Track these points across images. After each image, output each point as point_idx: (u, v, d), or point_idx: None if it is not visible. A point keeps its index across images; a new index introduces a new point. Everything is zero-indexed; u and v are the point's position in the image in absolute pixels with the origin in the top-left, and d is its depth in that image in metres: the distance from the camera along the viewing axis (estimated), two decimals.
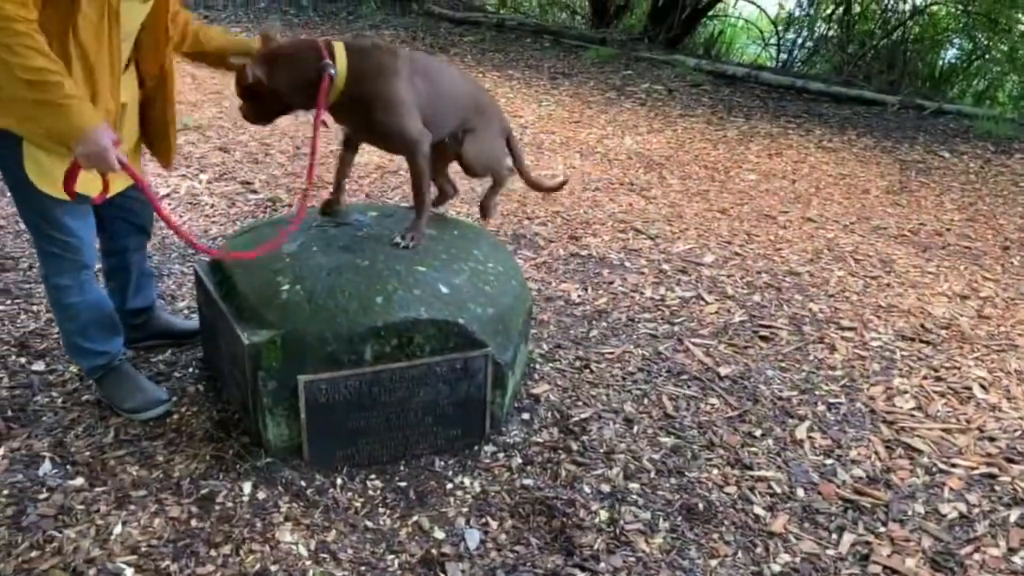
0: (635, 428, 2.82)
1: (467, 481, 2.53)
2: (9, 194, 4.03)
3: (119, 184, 2.47)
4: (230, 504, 2.33)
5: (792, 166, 6.05)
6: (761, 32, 12.64)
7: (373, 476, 2.52)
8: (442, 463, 2.60)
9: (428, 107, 2.57)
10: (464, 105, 2.75)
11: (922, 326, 3.69)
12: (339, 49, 2.43)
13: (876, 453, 2.80)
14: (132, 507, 2.30)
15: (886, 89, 9.06)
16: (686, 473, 2.63)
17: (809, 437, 2.86)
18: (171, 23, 2.45)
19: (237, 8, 9.75)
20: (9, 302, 3.26)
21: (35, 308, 3.24)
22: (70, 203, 2.30)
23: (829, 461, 2.74)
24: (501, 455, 2.65)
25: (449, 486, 2.51)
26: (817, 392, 3.12)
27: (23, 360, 2.92)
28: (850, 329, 3.61)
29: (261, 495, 2.37)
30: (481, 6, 13.46)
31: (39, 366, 2.90)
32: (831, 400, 3.08)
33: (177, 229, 2.32)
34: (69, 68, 2.11)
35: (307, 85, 2.39)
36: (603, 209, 4.84)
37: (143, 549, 2.17)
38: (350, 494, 2.44)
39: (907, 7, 11.06)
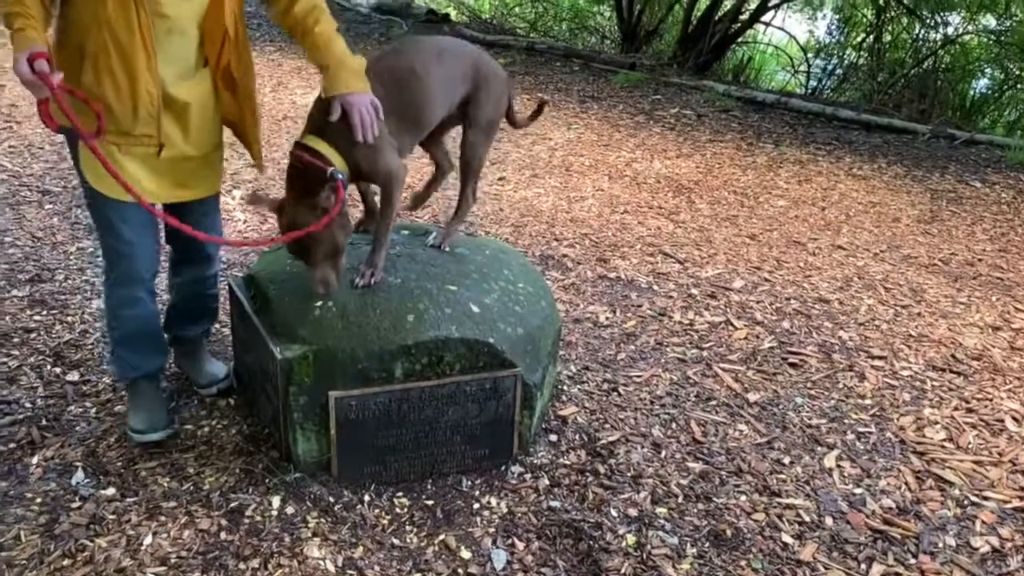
0: (663, 452, 2.82)
1: (494, 501, 2.53)
2: (48, 206, 4.12)
3: (163, 193, 2.44)
4: (259, 518, 2.35)
5: (822, 193, 6.03)
6: (791, 59, 12.65)
7: (400, 494, 2.53)
8: (469, 483, 2.60)
9: (411, 104, 2.49)
10: (459, 81, 2.62)
11: (953, 356, 3.65)
12: (324, 148, 2.35)
13: (906, 483, 2.77)
14: (162, 518, 2.33)
15: (917, 118, 9.02)
16: (714, 499, 2.61)
17: (838, 466, 2.83)
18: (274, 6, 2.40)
19: (271, 27, 9.88)
20: (45, 313, 3.31)
21: (70, 319, 3.29)
22: (124, 207, 2.33)
23: (858, 490, 2.72)
24: (528, 476, 2.65)
25: (476, 506, 2.51)
26: (846, 420, 3.10)
27: (58, 370, 2.96)
28: (880, 358, 3.59)
29: (290, 510, 2.39)
30: (511, 29, 13.56)
31: (73, 376, 2.94)
32: (860, 429, 3.05)
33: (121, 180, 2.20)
34: (108, 56, 2.17)
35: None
36: (632, 232, 4.85)
37: (173, 560, 2.19)
38: (377, 511, 2.44)
39: (938, 36, 11.04)
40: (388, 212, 2.52)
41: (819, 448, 2.92)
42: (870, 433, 3.03)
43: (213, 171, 2.57)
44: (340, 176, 2.32)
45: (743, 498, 2.63)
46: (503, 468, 2.67)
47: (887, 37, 11.69)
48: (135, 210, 2.36)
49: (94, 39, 2.17)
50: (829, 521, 2.57)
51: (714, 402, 3.14)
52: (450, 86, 2.60)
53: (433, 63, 2.54)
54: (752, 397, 3.19)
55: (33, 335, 3.16)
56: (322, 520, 2.37)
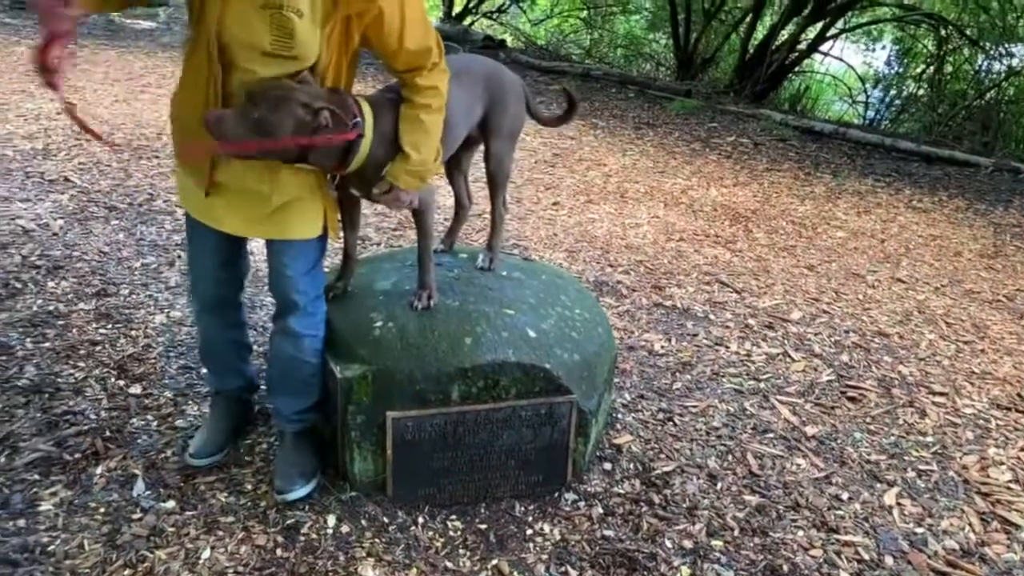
0: (719, 484, 2.78)
1: (547, 528, 2.52)
2: (114, 222, 4.21)
3: (237, 227, 2.34)
4: (314, 536, 2.36)
5: (881, 225, 5.94)
6: (849, 89, 12.54)
7: (454, 517, 2.53)
8: (522, 508, 2.59)
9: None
10: (477, 99, 2.59)
11: (1019, 395, 3.56)
12: (368, 113, 2.22)
13: (970, 524, 2.70)
14: (220, 533, 2.35)
15: (979, 150, 8.86)
16: (770, 533, 2.57)
17: (898, 503, 2.77)
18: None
19: None
20: (110, 326, 3.39)
21: (134, 333, 3.36)
22: (195, 229, 2.39)
23: (920, 530, 2.66)
24: (582, 504, 2.63)
25: (529, 532, 2.50)
26: (907, 457, 3.03)
27: (121, 383, 3.02)
28: (941, 394, 3.51)
29: (345, 528, 2.40)
30: (567, 56, 13.64)
31: (136, 389, 3.00)
32: (921, 467, 2.98)
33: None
34: (184, 90, 2.18)
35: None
36: (687, 260, 4.82)
37: (229, 575, 2.21)
38: (431, 533, 2.45)
39: (1002, 68, 10.85)
40: (425, 233, 2.55)
41: (879, 485, 2.86)
42: (932, 471, 2.96)
43: (301, 217, 2.31)
44: (359, 128, 2.18)
45: (800, 533, 2.59)
46: (556, 495, 2.65)
47: (948, 68, 11.53)
48: (200, 232, 2.39)
49: (186, 72, 2.16)
50: (889, 560, 2.51)
51: (771, 435, 3.09)
52: (469, 106, 2.58)
53: (452, 85, 2.41)
54: (810, 431, 3.14)
55: (98, 348, 3.23)
56: (376, 540, 2.38)
